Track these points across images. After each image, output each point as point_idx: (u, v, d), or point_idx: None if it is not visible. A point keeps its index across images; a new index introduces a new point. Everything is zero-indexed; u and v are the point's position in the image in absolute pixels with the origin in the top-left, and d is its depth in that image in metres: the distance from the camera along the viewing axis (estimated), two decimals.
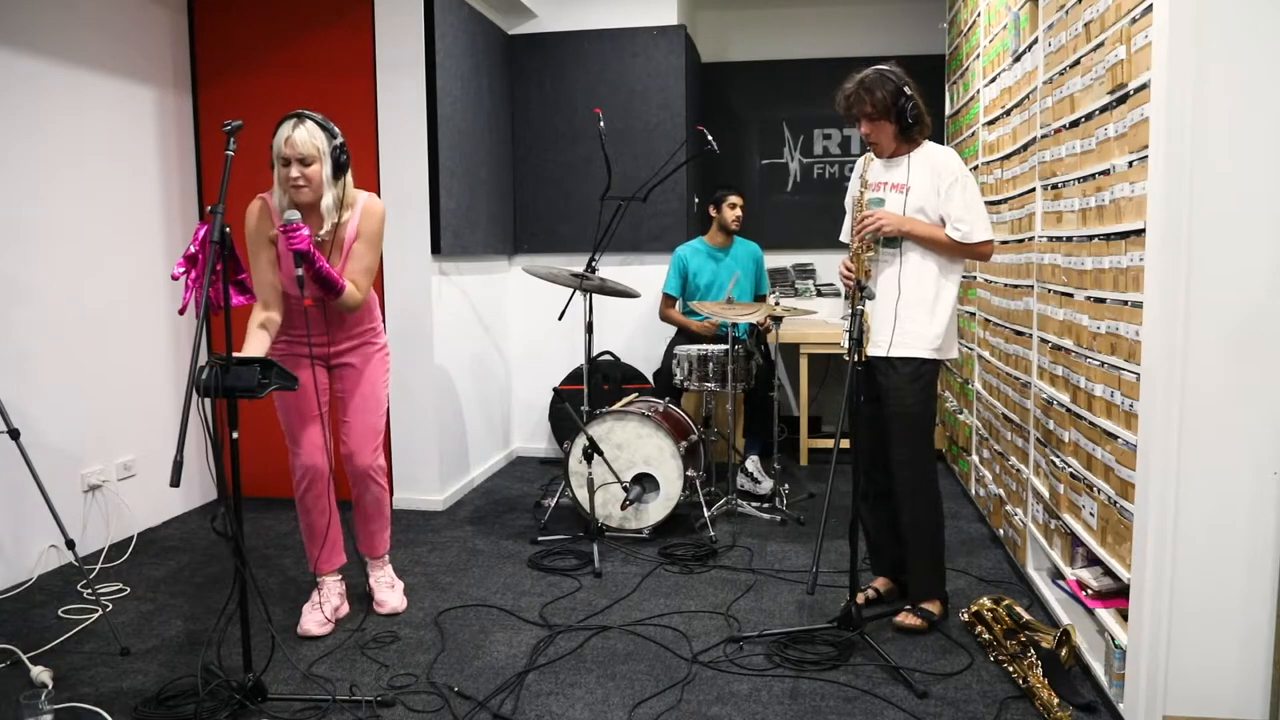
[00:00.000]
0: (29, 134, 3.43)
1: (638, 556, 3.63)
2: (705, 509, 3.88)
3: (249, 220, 2.78)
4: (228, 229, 2.32)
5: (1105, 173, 2.45)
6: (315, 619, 2.91)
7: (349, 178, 2.81)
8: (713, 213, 4.64)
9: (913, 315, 2.86)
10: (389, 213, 4.13)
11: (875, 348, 2.87)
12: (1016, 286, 3.44)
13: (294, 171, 2.64)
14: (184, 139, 4.28)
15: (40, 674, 2.55)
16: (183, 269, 2.61)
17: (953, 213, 2.81)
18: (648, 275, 4.99)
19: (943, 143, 3.23)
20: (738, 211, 4.59)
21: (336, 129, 2.74)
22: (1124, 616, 2.31)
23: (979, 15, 4.21)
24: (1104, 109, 2.46)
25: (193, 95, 4.31)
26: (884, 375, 2.89)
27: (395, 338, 3.80)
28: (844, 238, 3.07)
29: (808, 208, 5.72)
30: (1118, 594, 2.49)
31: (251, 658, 2.42)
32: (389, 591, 3.12)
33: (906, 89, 2.81)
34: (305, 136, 2.64)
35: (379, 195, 4.16)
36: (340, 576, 3.08)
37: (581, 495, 3.81)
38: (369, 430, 2.96)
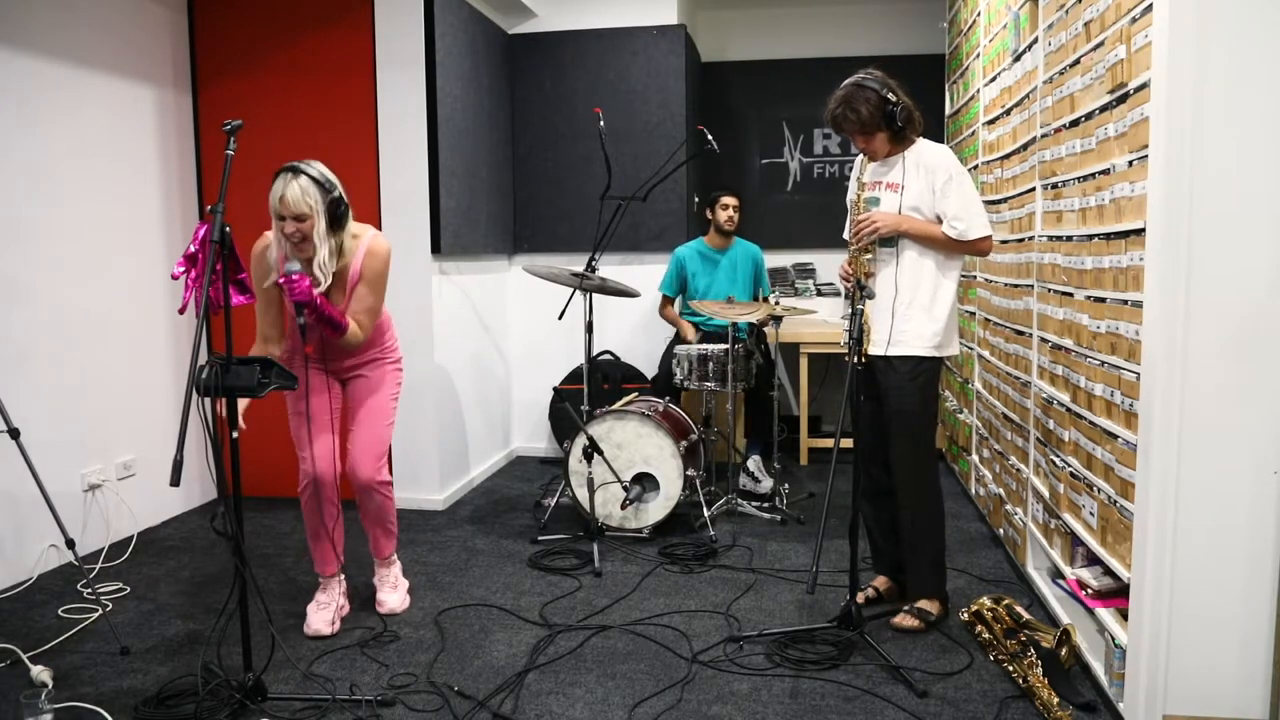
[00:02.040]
0: (29, 133, 3.43)
1: (638, 556, 3.63)
2: (705, 508, 3.88)
3: (254, 259, 2.80)
4: (228, 229, 2.32)
5: (1105, 172, 2.45)
6: (323, 618, 2.92)
7: (350, 223, 2.80)
8: (708, 215, 4.66)
9: (910, 314, 2.86)
10: (389, 213, 4.16)
11: (874, 346, 2.87)
12: (1016, 286, 3.44)
13: (289, 228, 2.65)
14: (184, 139, 4.28)
15: (40, 674, 2.55)
16: (183, 268, 2.61)
17: (949, 210, 2.81)
18: (648, 275, 4.99)
19: (942, 143, 3.22)
20: (730, 212, 4.60)
21: (333, 181, 2.70)
22: (1124, 616, 2.31)
23: (979, 15, 4.21)
24: (1104, 108, 2.46)
25: (193, 95, 4.31)
26: (883, 374, 2.90)
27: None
28: (846, 236, 3.07)
29: (808, 207, 5.72)
30: (1118, 593, 2.49)
31: (251, 657, 2.42)
32: (391, 592, 3.13)
33: (890, 95, 2.79)
34: (298, 195, 2.61)
35: (379, 195, 4.17)
36: (342, 577, 3.08)
37: (581, 495, 3.81)
38: (372, 440, 2.96)
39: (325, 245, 2.70)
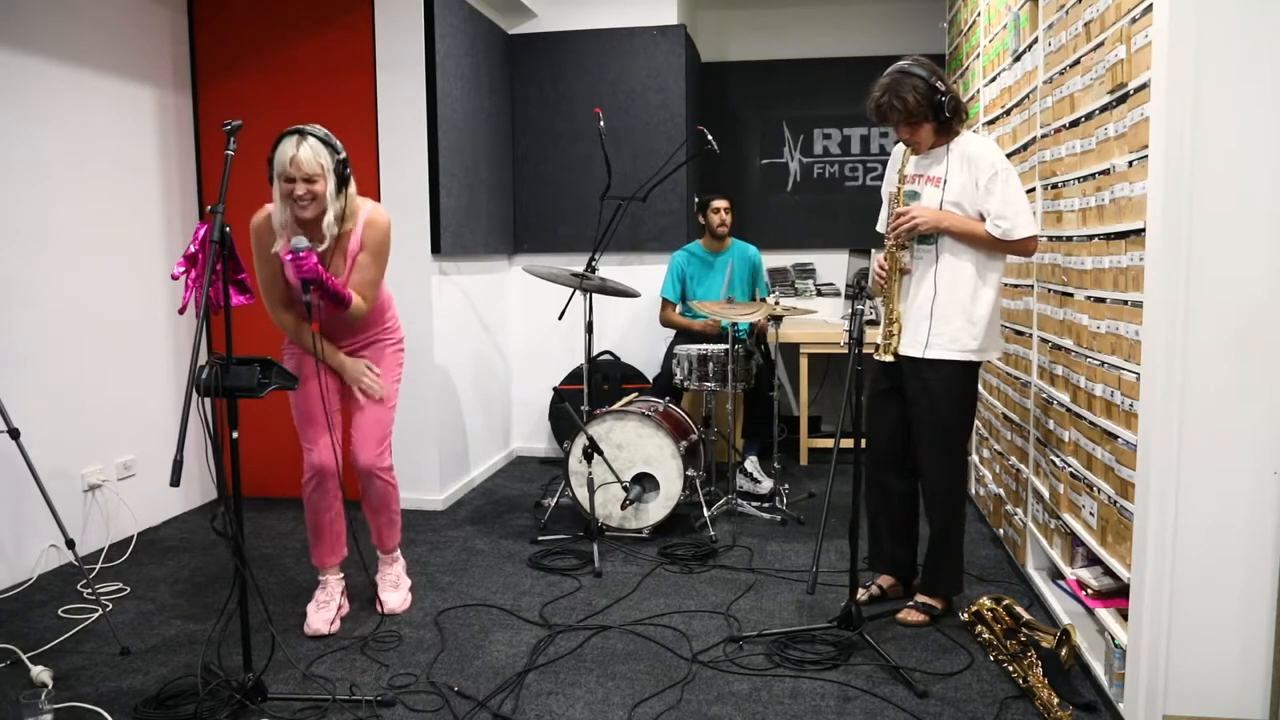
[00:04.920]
0: (29, 134, 3.43)
1: (638, 556, 3.63)
2: (705, 509, 3.88)
3: (254, 237, 2.80)
4: (228, 229, 2.32)
5: (1105, 172, 2.45)
6: (323, 617, 2.92)
7: (351, 189, 2.81)
8: (700, 220, 4.66)
9: (948, 315, 2.77)
10: (389, 213, 4.14)
11: (908, 347, 2.81)
12: (1016, 286, 3.44)
13: (299, 190, 2.64)
14: (184, 139, 4.28)
15: (40, 674, 2.56)
16: (183, 269, 2.61)
17: (992, 208, 2.70)
18: (647, 275, 4.99)
19: None
20: (722, 215, 4.59)
21: (338, 143, 2.73)
22: (1124, 616, 2.31)
23: (979, 15, 4.21)
24: (1104, 109, 2.46)
25: (193, 95, 4.31)
26: (915, 377, 2.83)
27: None
28: (880, 228, 2.99)
29: (808, 207, 5.72)
30: (1118, 594, 2.49)
31: (251, 657, 2.42)
32: (392, 591, 3.13)
33: (938, 84, 2.69)
34: (309, 155, 2.62)
35: (379, 195, 4.17)
36: (342, 575, 3.08)
37: (581, 495, 3.81)
38: (375, 425, 2.96)
39: (334, 206, 2.72)
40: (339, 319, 2.87)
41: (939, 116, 2.72)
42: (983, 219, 2.74)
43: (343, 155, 2.73)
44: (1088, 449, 2.56)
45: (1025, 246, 2.75)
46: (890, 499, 3.02)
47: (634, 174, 4.87)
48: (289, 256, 2.59)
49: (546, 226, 5.20)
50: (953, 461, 2.88)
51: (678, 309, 4.74)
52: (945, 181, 2.77)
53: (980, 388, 4.08)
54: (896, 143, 2.91)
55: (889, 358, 2.83)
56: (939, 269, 2.79)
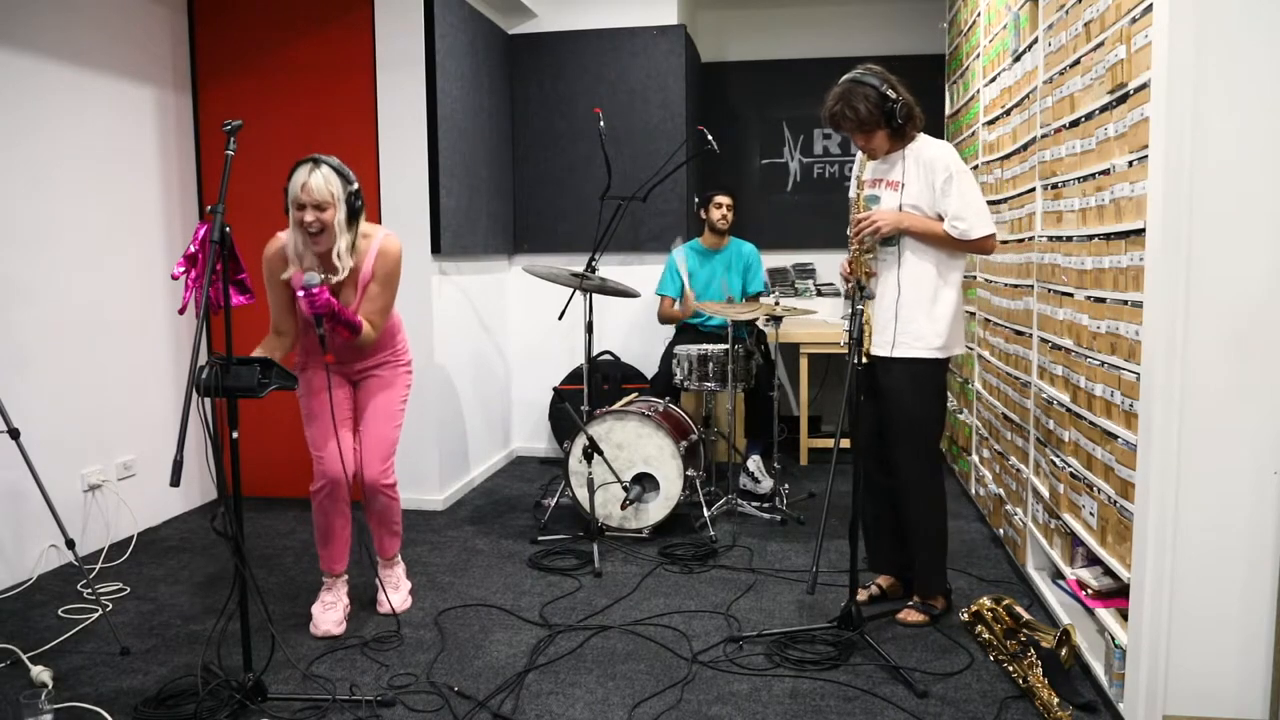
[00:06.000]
0: (29, 133, 3.43)
1: (638, 556, 3.63)
2: (705, 509, 3.88)
3: (265, 266, 2.82)
4: (228, 229, 2.32)
5: (1105, 172, 2.45)
6: (331, 618, 2.93)
7: (362, 219, 2.83)
8: (702, 215, 4.66)
9: (912, 315, 2.84)
10: (389, 213, 4.15)
11: (877, 347, 2.86)
12: (1016, 286, 3.44)
13: (309, 216, 2.66)
14: (184, 139, 4.28)
15: (40, 674, 2.55)
16: (182, 269, 2.61)
17: (950, 209, 2.78)
18: (648, 275, 4.98)
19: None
20: (724, 211, 4.60)
21: (352, 174, 2.75)
22: (1124, 616, 2.31)
23: (979, 15, 4.21)
24: (1104, 109, 2.46)
25: (193, 95, 4.31)
26: (885, 375, 2.88)
27: None
28: (850, 232, 3.05)
29: (808, 207, 5.72)
30: (1118, 594, 2.49)
31: (251, 657, 2.42)
32: (392, 593, 3.13)
33: (889, 92, 2.75)
34: (321, 183, 2.64)
35: (379, 196, 4.17)
36: (346, 577, 3.08)
37: (581, 495, 3.81)
38: (381, 441, 2.97)
39: (344, 237, 2.74)
40: (349, 344, 2.90)
41: (891, 123, 2.78)
42: (941, 219, 2.80)
43: (355, 186, 2.75)
44: (1088, 449, 2.56)
45: (983, 245, 2.83)
46: (879, 498, 3.03)
47: (634, 174, 4.87)
48: (300, 293, 2.61)
49: (546, 226, 5.20)
50: (923, 458, 2.91)
51: (676, 304, 4.74)
52: (903, 185, 2.84)
53: (980, 387, 4.09)
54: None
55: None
56: (902, 270, 2.85)
